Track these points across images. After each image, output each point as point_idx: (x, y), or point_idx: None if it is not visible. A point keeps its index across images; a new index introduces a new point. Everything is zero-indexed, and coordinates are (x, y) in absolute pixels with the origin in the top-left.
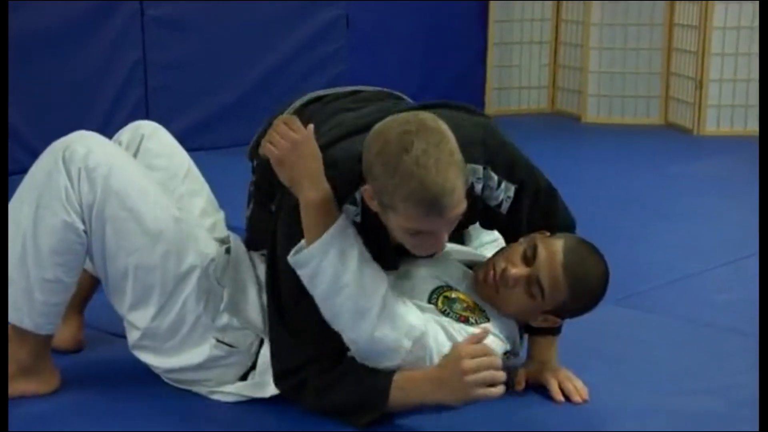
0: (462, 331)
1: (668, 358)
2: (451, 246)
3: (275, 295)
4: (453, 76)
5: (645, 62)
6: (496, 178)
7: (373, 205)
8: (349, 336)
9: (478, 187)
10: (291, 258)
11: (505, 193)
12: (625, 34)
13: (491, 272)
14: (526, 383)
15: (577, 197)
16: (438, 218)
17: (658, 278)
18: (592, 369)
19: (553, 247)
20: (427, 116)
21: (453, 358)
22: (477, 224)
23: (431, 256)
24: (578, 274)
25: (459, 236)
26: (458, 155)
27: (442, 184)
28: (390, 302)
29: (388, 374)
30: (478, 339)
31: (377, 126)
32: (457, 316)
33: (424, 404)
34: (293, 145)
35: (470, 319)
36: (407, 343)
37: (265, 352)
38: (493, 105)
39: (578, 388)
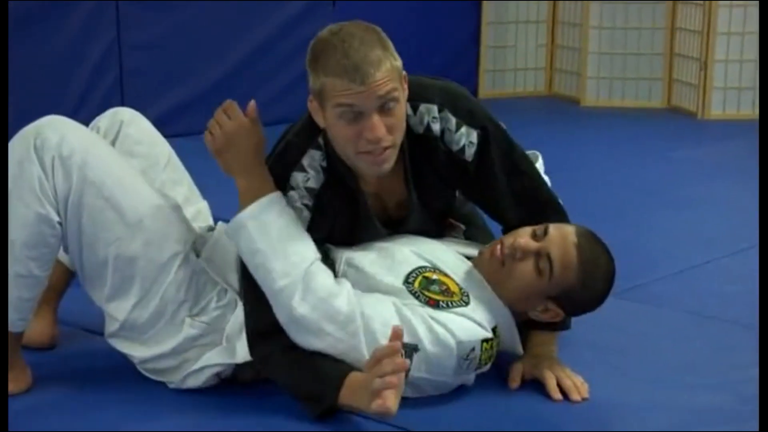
0: (424, 316)
1: (672, 352)
2: (452, 241)
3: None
4: (444, 57)
5: (647, 42)
6: (454, 120)
7: (319, 119)
8: (275, 312)
9: (436, 126)
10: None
11: (466, 137)
12: (626, 12)
13: (499, 245)
14: (522, 380)
15: (576, 184)
16: (361, 86)
17: (661, 269)
18: (592, 364)
19: (565, 229)
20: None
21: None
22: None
23: (407, 221)
24: (590, 257)
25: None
26: (390, 48)
27: (364, 53)
28: (312, 283)
29: (342, 373)
30: (395, 340)
31: None
32: (427, 299)
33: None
34: (229, 135)
35: (441, 303)
36: (329, 327)
37: (235, 319)
38: (487, 87)
39: (578, 385)
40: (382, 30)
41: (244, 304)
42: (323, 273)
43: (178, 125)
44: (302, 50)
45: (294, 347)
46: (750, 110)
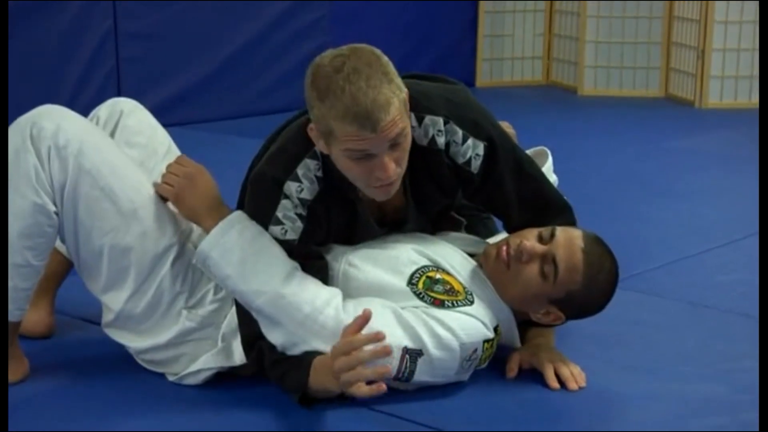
0: (426, 320)
1: (668, 342)
2: (455, 235)
3: None
4: (441, 47)
5: (644, 31)
6: (460, 132)
7: (321, 146)
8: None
9: (441, 140)
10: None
11: (473, 150)
12: (624, 1)
13: (504, 246)
14: (520, 368)
15: (573, 173)
16: (372, 134)
17: (657, 258)
18: (589, 353)
19: (571, 233)
20: (363, 45)
21: (331, 354)
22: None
23: (403, 225)
24: (596, 262)
25: (458, 223)
26: (395, 78)
27: (373, 98)
28: (291, 300)
29: (313, 355)
30: (354, 329)
31: (314, 60)
32: (432, 299)
33: (332, 388)
34: (187, 179)
35: (446, 302)
36: (315, 342)
37: (231, 317)
38: (484, 77)
39: (575, 374)
40: (385, 17)
41: (237, 313)
42: (303, 285)
43: (175, 115)
44: (297, 41)
45: (274, 347)
46: (747, 99)
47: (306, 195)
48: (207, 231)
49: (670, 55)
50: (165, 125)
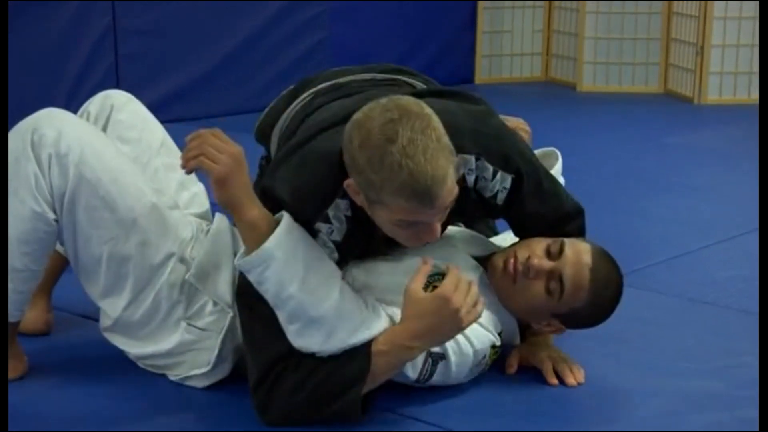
0: None
1: (668, 338)
2: (459, 233)
3: (246, 285)
4: (440, 42)
5: (644, 27)
6: (491, 168)
7: (359, 200)
8: (306, 339)
9: (470, 178)
10: (237, 261)
11: (500, 183)
12: None
13: (512, 260)
14: (519, 365)
15: (572, 170)
16: (431, 209)
17: (656, 255)
18: (588, 349)
19: (580, 248)
20: (409, 101)
21: (439, 301)
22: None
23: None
24: (602, 280)
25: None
26: (445, 139)
27: (432, 174)
28: (346, 310)
29: (364, 344)
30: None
31: (357, 116)
32: None
33: (406, 361)
34: (235, 161)
35: None
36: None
37: (226, 336)
38: (483, 73)
39: (573, 371)
40: (384, 13)
41: (249, 342)
42: (352, 294)
43: (174, 111)
44: (297, 37)
45: (303, 363)
46: (746, 95)
47: (336, 236)
48: (247, 221)
49: (669, 52)
50: (164, 121)
